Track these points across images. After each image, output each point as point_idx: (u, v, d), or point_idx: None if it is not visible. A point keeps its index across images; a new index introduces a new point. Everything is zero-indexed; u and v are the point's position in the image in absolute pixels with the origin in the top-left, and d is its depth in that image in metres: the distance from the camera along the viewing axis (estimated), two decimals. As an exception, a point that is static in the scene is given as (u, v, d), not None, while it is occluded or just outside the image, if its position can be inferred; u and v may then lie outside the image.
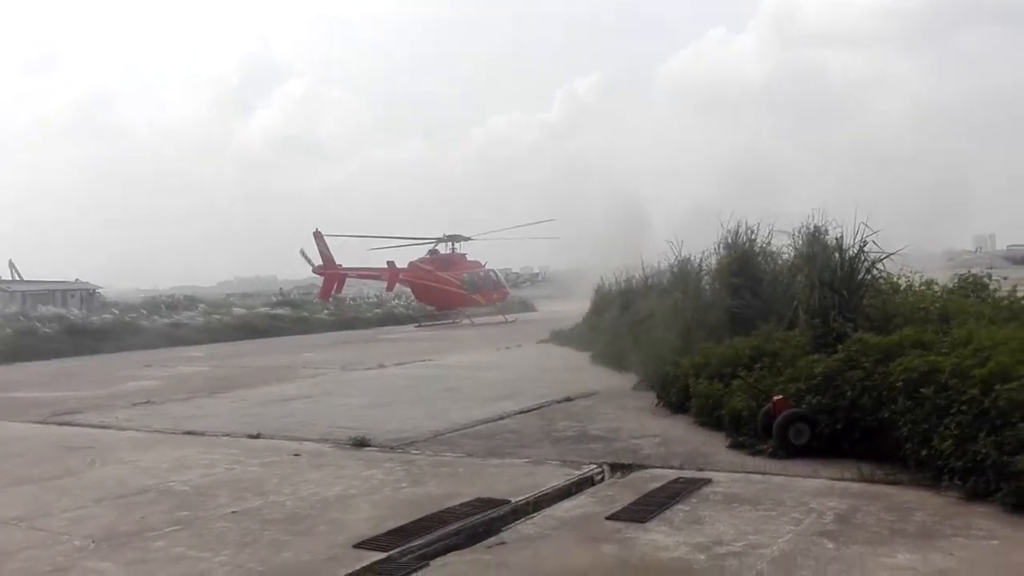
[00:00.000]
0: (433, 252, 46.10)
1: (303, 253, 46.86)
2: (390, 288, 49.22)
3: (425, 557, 6.28)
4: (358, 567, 6.09)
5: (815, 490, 7.71)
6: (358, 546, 6.58)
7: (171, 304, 47.35)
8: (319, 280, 49.67)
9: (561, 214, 43.41)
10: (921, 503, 7.18)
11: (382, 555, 6.33)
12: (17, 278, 58.90)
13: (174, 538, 7.07)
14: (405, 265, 46.05)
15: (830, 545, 6.21)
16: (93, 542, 7.05)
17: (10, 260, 57.50)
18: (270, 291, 71.60)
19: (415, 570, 6.04)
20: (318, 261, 46.56)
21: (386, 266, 46.04)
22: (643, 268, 22.25)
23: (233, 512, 7.80)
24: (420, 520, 7.19)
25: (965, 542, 6.19)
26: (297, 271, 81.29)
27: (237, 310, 42.28)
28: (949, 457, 7.42)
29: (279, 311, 42.65)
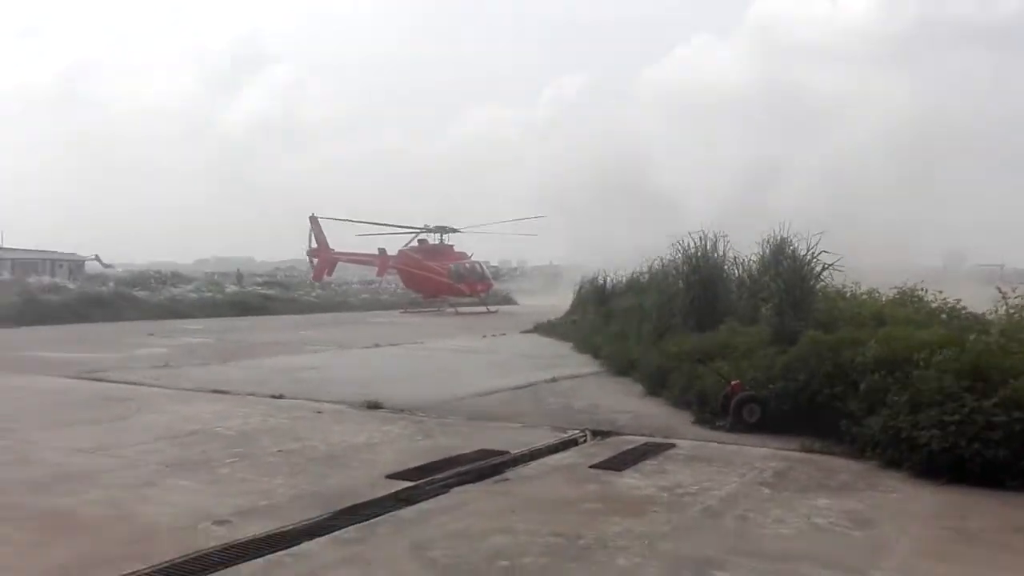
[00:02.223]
0: (422, 242, 47.61)
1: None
2: (380, 274, 50.71)
3: (446, 487, 7.85)
4: (393, 490, 7.66)
5: (761, 455, 9.36)
6: (390, 477, 8.15)
7: (160, 279, 48.58)
8: (298, 262, 51.28)
9: (547, 208, 45.38)
10: (846, 467, 8.85)
11: (411, 483, 7.90)
12: None
13: (235, 467, 8.60)
14: (395, 253, 47.62)
15: (767, 491, 7.87)
16: (167, 467, 8.55)
17: None
18: (249, 271, 72.43)
19: (438, 494, 7.61)
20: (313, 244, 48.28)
21: (377, 253, 47.58)
22: (620, 269, 24.11)
23: (279, 451, 9.34)
24: (436, 462, 8.77)
25: (873, 494, 7.86)
26: (274, 252, 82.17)
27: (231, 287, 43.60)
28: (873, 432, 9.12)
29: (271, 291, 43.98)
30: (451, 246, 47.59)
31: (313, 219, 47.28)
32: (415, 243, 47.63)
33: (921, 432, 8.52)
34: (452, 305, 44.78)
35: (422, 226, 47.69)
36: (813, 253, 13.00)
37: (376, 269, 50.30)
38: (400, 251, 47.40)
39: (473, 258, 47.84)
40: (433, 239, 47.65)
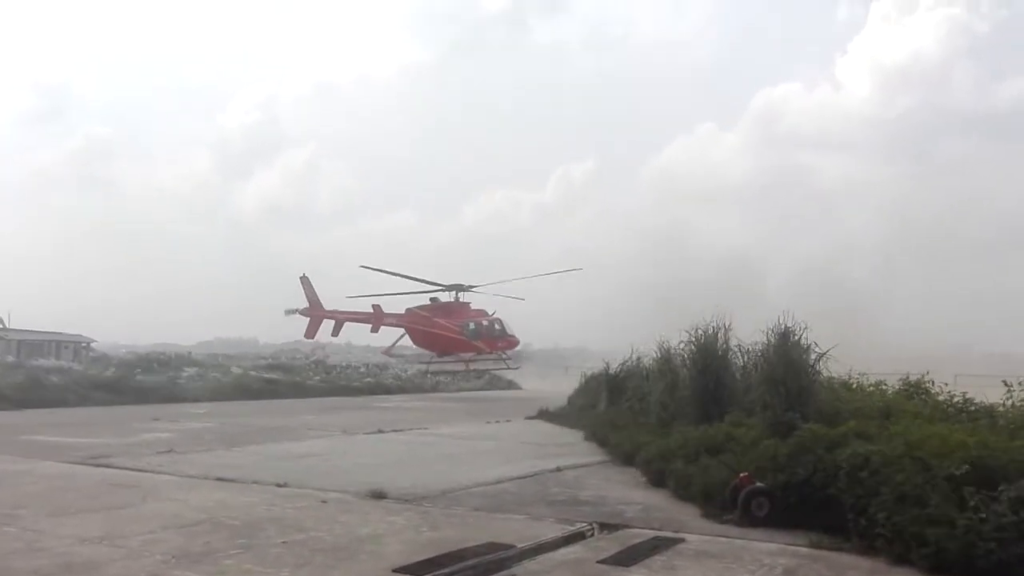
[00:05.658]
0: (434, 300, 47.48)
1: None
2: (375, 330, 50.15)
3: (453, 581, 7.81)
4: (400, 584, 7.62)
5: (770, 551, 9.29)
6: (397, 571, 8.10)
7: (163, 361, 48.62)
8: (301, 344, 51.46)
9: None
10: (855, 565, 8.79)
11: (418, 577, 7.86)
12: (2, 326, 60.18)
13: (240, 558, 8.57)
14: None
15: (776, 588, 7.81)
16: (173, 557, 8.53)
17: None
18: (253, 353, 72.55)
19: (445, 590, 7.57)
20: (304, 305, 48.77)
21: (372, 310, 47.55)
22: (630, 353, 24.22)
23: (283, 542, 9.29)
24: (443, 555, 8.72)
25: (884, 592, 7.81)
26: (278, 334, 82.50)
27: (235, 370, 43.62)
28: (881, 527, 9.07)
29: (274, 375, 43.94)
30: (467, 304, 47.41)
31: (304, 279, 47.88)
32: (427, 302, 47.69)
33: (929, 529, 8.50)
34: (469, 361, 44.61)
35: (439, 285, 47.78)
36: (815, 345, 13.07)
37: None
38: (407, 309, 47.27)
39: (495, 315, 47.54)
40: (448, 297, 47.55)
